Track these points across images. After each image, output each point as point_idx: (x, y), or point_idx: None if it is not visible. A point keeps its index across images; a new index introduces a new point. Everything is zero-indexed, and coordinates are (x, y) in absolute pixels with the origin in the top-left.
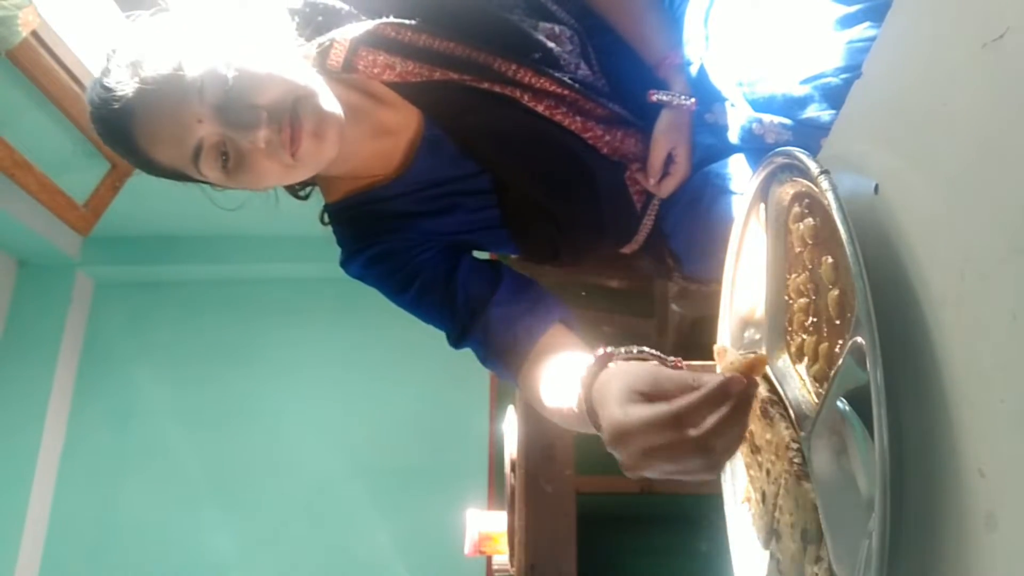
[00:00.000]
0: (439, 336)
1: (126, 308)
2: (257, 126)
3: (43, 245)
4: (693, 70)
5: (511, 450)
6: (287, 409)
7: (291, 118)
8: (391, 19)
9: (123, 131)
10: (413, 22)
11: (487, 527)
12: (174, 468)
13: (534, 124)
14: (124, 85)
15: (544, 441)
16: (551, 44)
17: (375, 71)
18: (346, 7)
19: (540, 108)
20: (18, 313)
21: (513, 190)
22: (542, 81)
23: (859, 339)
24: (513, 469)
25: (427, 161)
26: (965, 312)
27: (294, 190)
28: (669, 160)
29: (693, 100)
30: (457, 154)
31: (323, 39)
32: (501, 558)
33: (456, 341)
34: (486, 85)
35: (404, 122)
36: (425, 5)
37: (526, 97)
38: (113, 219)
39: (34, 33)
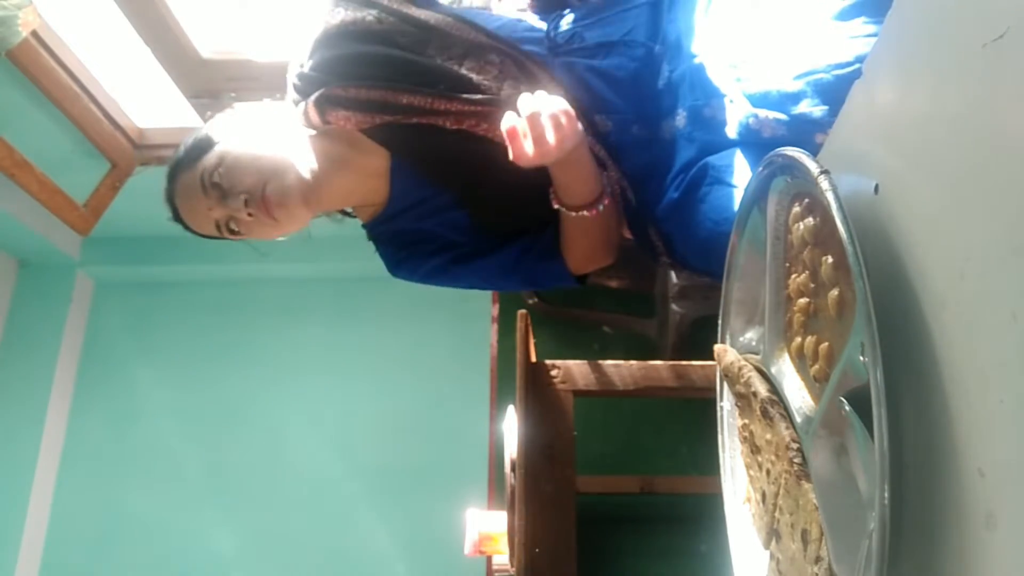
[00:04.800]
0: (438, 336)
1: (126, 308)
2: (240, 207)
3: (43, 245)
4: (695, 61)
5: (511, 450)
6: (287, 409)
7: (262, 196)
8: (336, 83)
9: (180, 221)
10: (352, 81)
11: (487, 527)
12: (174, 468)
13: (460, 143)
14: (169, 190)
15: (544, 441)
16: (470, 75)
17: (341, 123)
18: (319, 76)
19: (464, 127)
20: (18, 313)
21: (469, 202)
22: (455, 104)
23: (859, 339)
24: (513, 469)
25: (402, 185)
26: (965, 312)
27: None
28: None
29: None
30: (419, 178)
31: (302, 103)
32: (501, 558)
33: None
34: (415, 120)
35: (379, 161)
36: (367, 61)
37: (448, 122)
38: (113, 219)
39: (34, 33)
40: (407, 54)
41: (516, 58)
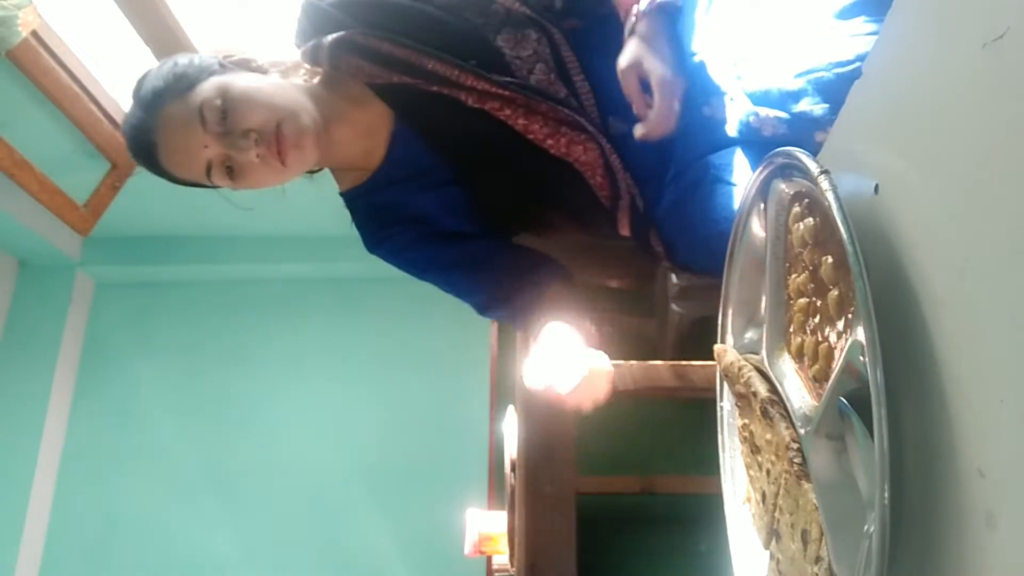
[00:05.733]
0: (438, 336)
1: (126, 308)
2: (249, 147)
3: (43, 245)
4: (695, 60)
5: (511, 450)
6: (287, 409)
7: (277, 135)
8: (359, 28)
9: (151, 159)
10: (376, 30)
11: (487, 527)
12: (174, 467)
13: (477, 123)
14: (145, 122)
15: (544, 441)
16: (505, 50)
17: (352, 72)
18: (338, 16)
19: (485, 107)
20: (18, 313)
21: (470, 181)
22: (482, 84)
23: (859, 339)
24: (513, 469)
25: (401, 153)
26: (965, 312)
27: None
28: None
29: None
30: (423, 147)
31: (315, 41)
32: (501, 558)
33: (481, 314)
34: (435, 88)
35: (379, 120)
36: (395, 13)
37: (471, 99)
38: (113, 219)
39: (34, 33)
40: (445, 15)
41: (553, 38)
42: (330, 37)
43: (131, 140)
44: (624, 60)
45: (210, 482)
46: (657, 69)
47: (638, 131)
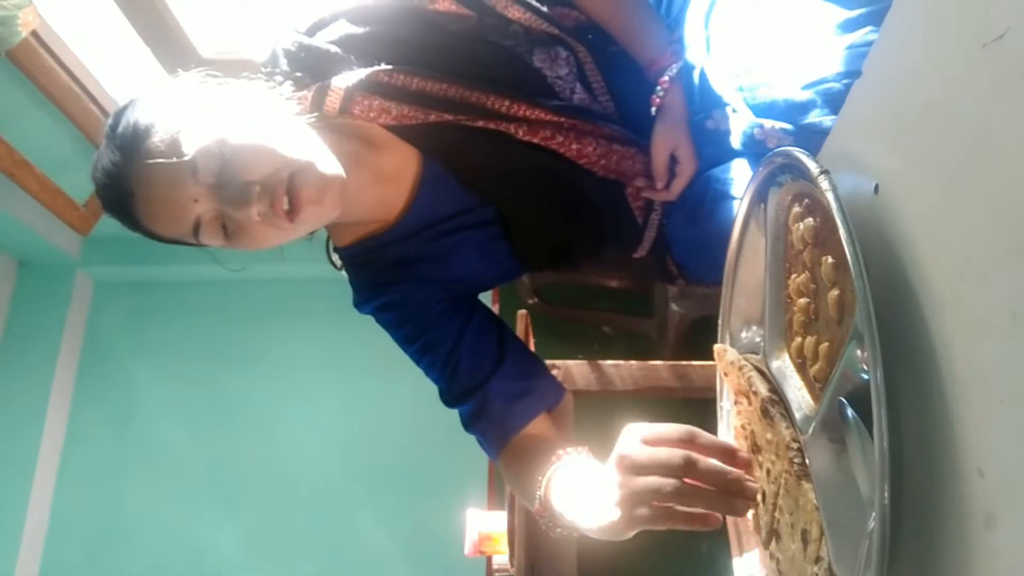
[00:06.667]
0: None
1: (126, 308)
2: (250, 203)
3: (43, 245)
4: (695, 75)
5: None
6: (287, 409)
7: (288, 188)
8: (383, 66)
9: (125, 211)
10: (406, 67)
11: (487, 527)
12: (174, 468)
13: (528, 156)
14: (121, 168)
15: None
16: (546, 71)
17: (371, 115)
18: (340, 52)
19: (536, 139)
20: (18, 313)
21: (515, 219)
22: (537, 112)
23: (859, 339)
24: None
25: (428, 199)
26: (965, 312)
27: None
28: (673, 162)
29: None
30: (457, 189)
31: (319, 85)
32: (501, 558)
33: (449, 403)
34: (480, 123)
35: (403, 164)
36: (418, 46)
37: (521, 131)
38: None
39: (34, 33)
40: (474, 43)
41: (578, 55)
42: (346, 80)
43: (102, 187)
44: (661, 138)
45: (210, 482)
46: (687, 158)
47: (653, 193)
